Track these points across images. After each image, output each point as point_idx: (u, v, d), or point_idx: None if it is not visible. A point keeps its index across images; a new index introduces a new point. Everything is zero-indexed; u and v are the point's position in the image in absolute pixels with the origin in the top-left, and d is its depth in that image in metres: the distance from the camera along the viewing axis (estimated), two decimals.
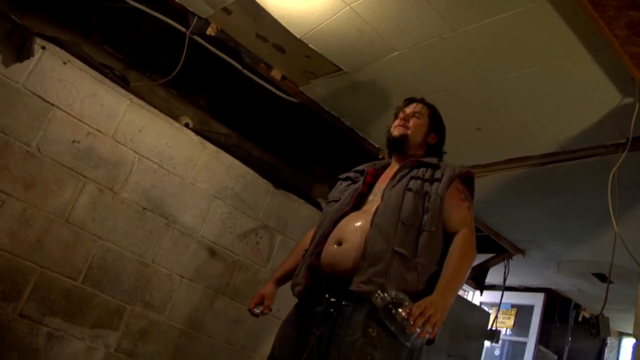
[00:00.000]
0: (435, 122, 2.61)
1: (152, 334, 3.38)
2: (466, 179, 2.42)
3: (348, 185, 2.59)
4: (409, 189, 2.29)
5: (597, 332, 2.80)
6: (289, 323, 2.35)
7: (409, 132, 2.51)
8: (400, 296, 1.93)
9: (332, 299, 2.14)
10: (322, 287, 2.22)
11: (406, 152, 2.50)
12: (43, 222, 3.05)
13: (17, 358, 2.93)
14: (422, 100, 2.62)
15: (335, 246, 2.23)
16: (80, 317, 3.14)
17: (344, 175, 2.68)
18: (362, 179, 2.50)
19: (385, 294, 1.92)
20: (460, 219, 2.28)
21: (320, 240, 2.33)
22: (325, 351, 2.05)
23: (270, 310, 2.58)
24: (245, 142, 4.23)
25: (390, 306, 1.89)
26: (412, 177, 2.35)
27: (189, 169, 3.59)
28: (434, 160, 2.45)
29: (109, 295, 3.25)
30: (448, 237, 2.25)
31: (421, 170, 2.39)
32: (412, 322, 1.86)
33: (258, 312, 2.54)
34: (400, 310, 1.88)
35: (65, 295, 3.10)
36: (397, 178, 2.36)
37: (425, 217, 2.22)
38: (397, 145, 2.51)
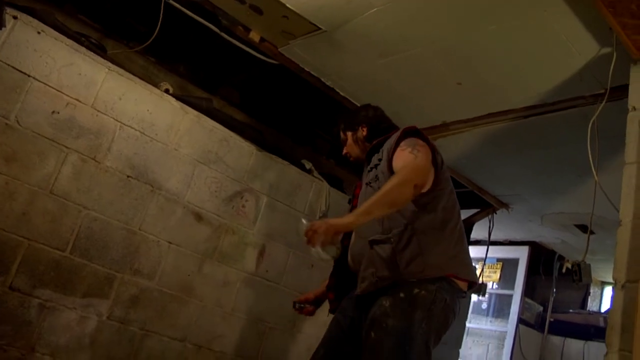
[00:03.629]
0: (350, 125, 2.86)
1: (143, 300, 3.41)
2: (405, 134, 2.52)
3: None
4: (367, 183, 2.56)
5: (579, 278, 2.87)
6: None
7: (349, 153, 2.86)
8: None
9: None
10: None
11: (364, 159, 2.75)
12: (27, 195, 3.04)
13: (10, 331, 2.95)
14: (337, 128, 2.93)
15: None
16: (71, 287, 3.16)
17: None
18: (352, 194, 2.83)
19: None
20: (400, 164, 2.38)
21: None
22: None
23: (311, 314, 2.93)
24: (226, 107, 4.21)
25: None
26: (369, 171, 2.61)
27: (171, 134, 3.58)
28: (375, 145, 2.68)
29: (98, 264, 3.26)
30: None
31: (373, 160, 2.63)
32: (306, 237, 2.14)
33: (297, 307, 2.91)
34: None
35: (54, 267, 3.10)
36: (364, 182, 2.63)
37: None
38: (355, 163, 2.87)
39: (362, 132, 2.81)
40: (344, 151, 2.88)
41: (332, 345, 2.55)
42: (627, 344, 1.94)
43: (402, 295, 2.27)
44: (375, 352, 2.23)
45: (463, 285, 2.41)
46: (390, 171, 2.41)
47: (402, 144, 2.46)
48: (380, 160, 2.54)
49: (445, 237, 2.41)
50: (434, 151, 2.49)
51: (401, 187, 2.22)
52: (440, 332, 2.34)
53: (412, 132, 2.52)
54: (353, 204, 2.70)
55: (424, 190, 2.38)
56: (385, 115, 2.92)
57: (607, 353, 2.02)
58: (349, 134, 2.85)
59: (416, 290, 2.27)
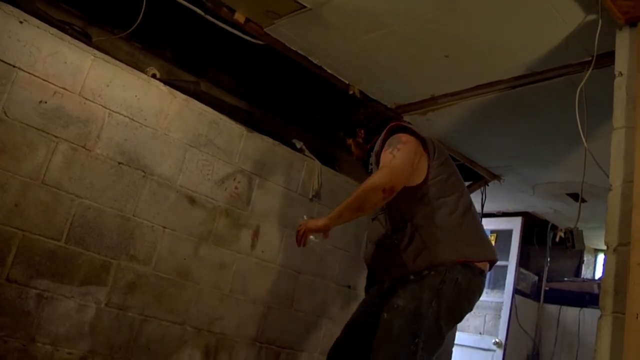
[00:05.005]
0: (349, 131, 3.06)
1: (140, 286, 3.42)
2: (390, 133, 2.64)
3: None
4: None
5: (572, 245, 2.90)
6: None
7: (357, 157, 3.08)
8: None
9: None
10: None
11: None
12: (19, 186, 3.03)
13: (9, 322, 2.96)
14: (339, 137, 3.19)
15: None
16: (68, 276, 3.16)
17: None
18: None
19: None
20: (380, 166, 2.53)
21: None
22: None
23: None
24: (215, 89, 4.20)
25: None
26: (370, 171, 2.80)
27: (161, 119, 3.57)
28: (373, 143, 2.82)
29: (94, 252, 3.26)
30: (405, 192, 2.49)
31: (372, 159, 2.78)
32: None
33: None
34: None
35: (50, 256, 3.11)
36: None
37: None
38: (362, 164, 3.02)
39: (360, 134, 2.98)
40: (354, 156, 3.10)
41: (357, 320, 2.83)
42: (620, 306, 1.97)
43: (412, 278, 2.45)
44: (386, 330, 2.40)
45: (481, 264, 2.51)
46: None
47: (386, 144, 2.58)
48: (374, 163, 2.71)
49: (448, 224, 2.51)
50: (424, 143, 2.57)
51: (368, 193, 2.36)
52: (454, 311, 2.47)
53: (396, 129, 2.63)
54: None
55: (414, 183, 2.52)
56: (379, 111, 3.09)
57: (601, 316, 2.05)
58: (350, 140, 3.05)
59: (425, 272, 2.44)
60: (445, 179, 2.61)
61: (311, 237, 2.52)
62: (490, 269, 2.62)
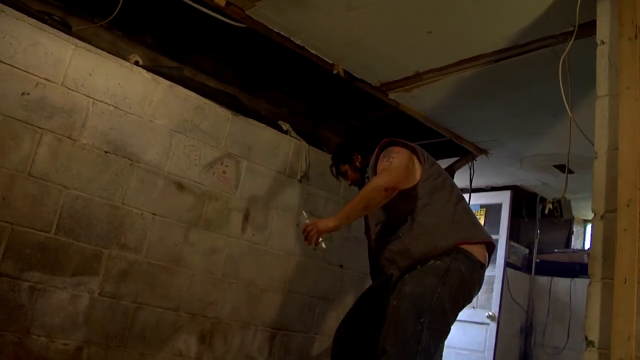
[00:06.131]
0: (345, 158, 3.20)
1: (132, 274, 3.43)
2: (383, 148, 2.89)
3: None
4: None
5: (560, 214, 2.93)
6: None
7: (354, 182, 3.21)
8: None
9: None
10: None
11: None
12: (5, 179, 3.02)
13: (3, 316, 2.97)
14: (333, 162, 3.29)
15: None
16: (59, 268, 3.17)
17: None
18: None
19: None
20: (379, 171, 2.79)
21: None
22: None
23: None
24: (198, 75, 4.18)
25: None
26: None
27: (145, 106, 3.55)
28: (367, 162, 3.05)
29: (84, 242, 3.26)
30: (403, 194, 2.74)
31: (369, 175, 3.00)
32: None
33: None
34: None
35: (40, 248, 3.11)
36: None
37: None
38: (359, 187, 3.12)
39: (357, 159, 3.16)
40: (349, 182, 3.23)
41: (365, 300, 3.06)
42: (609, 272, 1.99)
43: (419, 267, 2.66)
44: (395, 313, 2.57)
45: (480, 253, 2.73)
46: None
47: (381, 156, 2.84)
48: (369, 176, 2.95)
49: (443, 213, 2.78)
50: (414, 151, 2.86)
51: (372, 193, 2.61)
52: (458, 298, 2.65)
53: (388, 144, 2.90)
54: (367, 222, 3.13)
55: (410, 185, 2.76)
56: (367, 131, 3.21)
57: (590, 282, 2.07)
58: (347, 166, 3.20)
59: (431, 262, 2.65)
60: (436, 178, 2.88)
61: (316, 246, 2.73)
62: (489, 260, 2.83)
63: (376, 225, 2.97)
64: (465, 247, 2.70)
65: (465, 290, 2.67)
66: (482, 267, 2.74)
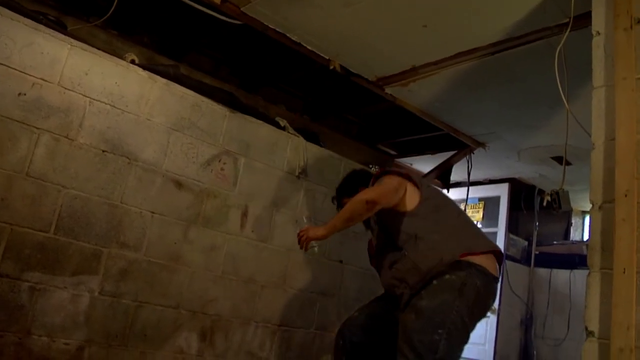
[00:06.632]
0: (350, 190, 3.20)
1: (132, 272, 3.43)
2: (377, 178, 3.03)
3: None
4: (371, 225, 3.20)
5: (558, 206, 2.94)
6: None
7: None
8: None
9: None
10: None
11: None
12: (3, 180, 3.02)
13: (4, 316, 2.97)
14: (336, 194, 3.36)
15: None
16: (59, 267, 3.17)
17: None
18: None
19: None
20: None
21: None
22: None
23: None
24: (195, 72, 4.18)
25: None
26: None
27: (142, 105, 3.55)
28: None
29: (84, 242, 3.27)
30: (405, 216, 2.89)
31: None
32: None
33: None
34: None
35: (40, 249, 3.11)
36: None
37: None
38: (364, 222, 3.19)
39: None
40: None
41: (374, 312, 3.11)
42: (608, 262, 2.00)
43: (435, 282, 2.68)
44: (411, 325, 2.62)
45: (491, 265, 2.79)
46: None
47: (375, 183, 2.97)
48: None
49: (446, 228, 2.86)
50: (408, 177, 2.98)
51: (355, 205, 2.80)
52: (474, 311, 2.70)
53: (383, 173, 3.05)
54: (371, 253, 3.28)
55: (413, 206, 2.89)
56: (367, 168, 3.53)
57: (589, 273, 2.08)
58: (348, 199, 3.13)
59: (447, 277, 2.67)
60: (435, 197, 3.04)
61: (312, 242, 2.94)
62: (500, 271, 2.91)
63: (383, 251, 3.05)
64: (474, 259, 2.75)
65: (481, 303, 2.75)
66: (496, 280, 2.82)
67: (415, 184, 2.97)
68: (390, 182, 2.91)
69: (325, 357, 4.24)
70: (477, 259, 2.74)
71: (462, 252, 2.75)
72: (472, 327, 2.73)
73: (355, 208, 2.82)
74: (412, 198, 2.92)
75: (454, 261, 2.72)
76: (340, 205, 3.27)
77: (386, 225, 2.98)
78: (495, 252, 2.88)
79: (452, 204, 3.10)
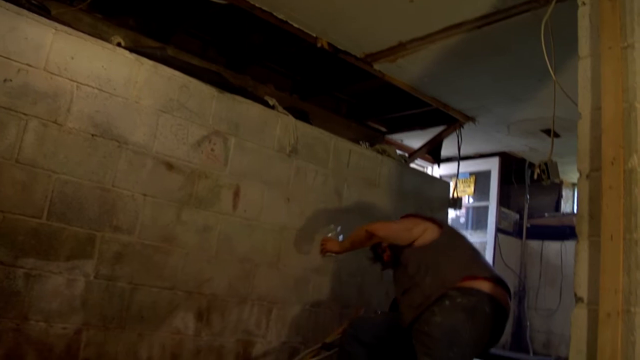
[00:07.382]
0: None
1: (126, 255, 3.44)
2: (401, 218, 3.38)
3: None
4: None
5: (547, 176, 2.96)
6: None
7: (386, 261, 3.46)
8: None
9: None
10: None
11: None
12: None
13: (0, 303, 2.98)
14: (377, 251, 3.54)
15: None
16: (53, 253, 3.18)
17: None
18: None
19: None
20: None
21: None
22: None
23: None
24: (182, 54, 4.16)
25: None
26: None
27: (130, 87, 3.53)
28: None
29: (77, 226, 3.27)
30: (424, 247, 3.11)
31: None
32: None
33: None
34: None
35: (33, 235, 3.11)
36: None
37: None
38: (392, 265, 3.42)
39: None
40: (385, 260, 3.43)
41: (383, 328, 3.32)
42: (596, 230, 2.02)
43: (447, 302, 2.81)
44: (427, 340, 2.77)
45: (501, 295, 2.92)
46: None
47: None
48: None
49: (450, 257, 3.03)
50: (432, 219, 3.25)
51: (358, 231, 3.30)
52: (480, 332, 2.83)
53: (405, 215, 3.39)
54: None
55: (430, 240, 3.09)
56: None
57: (578, 241, 2.11)
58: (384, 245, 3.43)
59: (459, 300, 2.80)
60: (452, 235, 3.26)
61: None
62: (510, 302, 3.05)
63: (403, 294, 3.16)
64: (483, 287, 2.87)
65: (487, 326, 2.86)
66: (505, 311, 2.96)
67: (437, 224, 3.22)
68: (403, 221, 3.29)
69: (320, 333, 4.27)
70: (486, 287, 2.87)
71: (465, 276, 2.89)
72: (482, 349, 2.92)
73: (357, 234, 3.30)
74: (428, 233, 3.14)
75: (464, 287, 2.85)
76: (380, 253, 3.49)
77: (399, 258, 3.18)
78: (503, 285, 2.99)
79: (465, 239, 3.32)
